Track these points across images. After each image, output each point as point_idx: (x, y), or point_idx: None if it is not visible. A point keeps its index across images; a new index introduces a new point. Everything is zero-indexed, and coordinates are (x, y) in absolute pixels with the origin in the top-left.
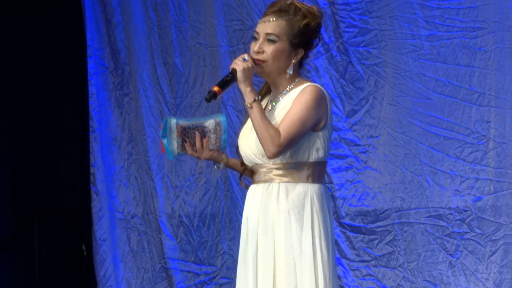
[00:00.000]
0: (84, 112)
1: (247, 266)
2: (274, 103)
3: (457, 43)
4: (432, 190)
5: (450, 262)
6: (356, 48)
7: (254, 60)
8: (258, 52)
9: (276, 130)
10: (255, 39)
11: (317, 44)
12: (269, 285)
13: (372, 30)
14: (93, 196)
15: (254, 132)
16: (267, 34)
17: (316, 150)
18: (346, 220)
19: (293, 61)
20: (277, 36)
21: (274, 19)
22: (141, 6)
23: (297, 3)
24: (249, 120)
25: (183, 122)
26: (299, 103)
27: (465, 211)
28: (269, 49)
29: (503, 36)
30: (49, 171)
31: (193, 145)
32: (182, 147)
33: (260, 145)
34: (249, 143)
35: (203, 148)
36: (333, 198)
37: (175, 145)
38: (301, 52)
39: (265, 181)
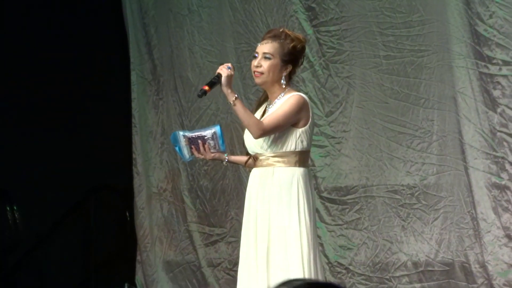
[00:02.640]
0: (128, 112)
1: (249, 228)
2: (270, 106)
3: (407, 61)
4: (389, 172)
5: (402, 226)
6: (334, 64)
7: (234, 68)
8: (257, 66)
9: (260, 120)
10: (254, 57)
11: (302, 62)
12: (265, 241)
13: (345, 51)
14: (135, 175)
15: None
16: (264, 53)
17: (301, 142)
18: (325, 194)
19: (284, 74)
20: (272, 55)
21: (270, 42)
22: (168, 34)
23: (287, 31)
24: None
25: (188, 134)
26: (284, 104)
27: (414, 187)
28: (265, 64)
29: (443, 55)
30: (103, 157)
31: (198, 150)
32: (191, 152)
33: (260, 139)
34: (250, 137)
35: (206, 152)
36: (315, 177)
37: (185, 151)
38: (290, 68)
39: (263, 166)
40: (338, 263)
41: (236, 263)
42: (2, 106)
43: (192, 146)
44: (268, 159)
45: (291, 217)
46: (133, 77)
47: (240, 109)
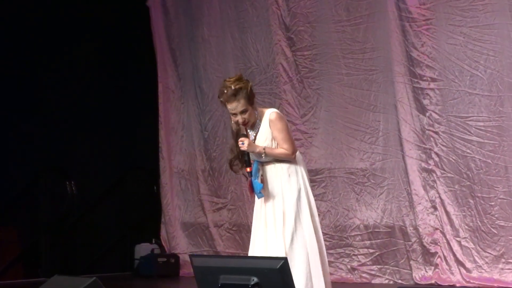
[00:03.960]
0: (155, 114)
1: (261, 208)
2: (255, 129)
3: (362, 77)
4: (347, 159)
5: (357, 198)
6: (307, 79)
7: (246, 129)
8: (244, 122)
9: (284, 150)
10: (235, 115)
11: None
12: (272, 217)
13: (316, 70)
14: (160, 159)
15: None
16: (241, 111)
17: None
18: None
19: (254, 109)
20: (245, 108)
21: (236, 100)
22: (189, 55)
23: (233, 85)
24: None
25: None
26: (279, 128)
27: (365, 170)
28: (247, 116)
29: (387, 74)
30: (137, 145)
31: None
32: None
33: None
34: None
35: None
36: None
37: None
38: (254, 101)
39: (267, 164)
40: None
41: (234, 225)
42: (67, 104)
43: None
44: (270, 160)
45: (289, 197)
46: (160, 87)
47: (271, 152)
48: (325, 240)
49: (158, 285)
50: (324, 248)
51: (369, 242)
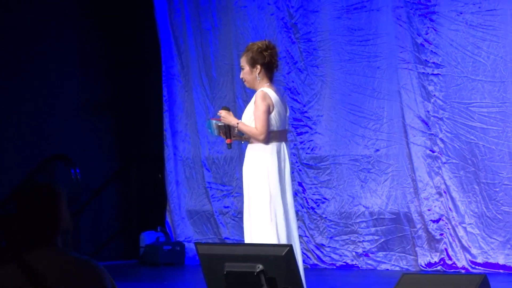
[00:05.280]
0: (159, 100)
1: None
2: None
3: (365, 64)
4: (352, 145)
5: (361, 185)
6: (311, 67)
7: (224, 108)
8: (242, 78)
9: (254, 128)
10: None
11: (268, 59)
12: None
13: (320, 57)
14: (165, 147)
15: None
16: (241, 66)
17: (271, 125)
18: (304, 161)
19: (256, 74)
20: (242, 66)
21: (243, 57)
22: (194, 42)
23: (250, 44)
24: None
25: (220, 123)
26: (257, 106)
27: (370, 157)
28: (242, 73)
29: (391, 60)
30: (142, 133)
31: (225, 132)
32: (219, 132)
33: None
34: None
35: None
36: (298, 149)
37: (215, 131)
38: (258, 68)
39: (250, 143)
40: (315, 212)
41: (239, 212)
42: (78, 93)
43: (221, 131)
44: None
45: (257, 181)
46: (164, 75)
47: (242, 127)
48: (331, 227)
49: (164, 273)
50: (293, 234)
51: (374, 228)
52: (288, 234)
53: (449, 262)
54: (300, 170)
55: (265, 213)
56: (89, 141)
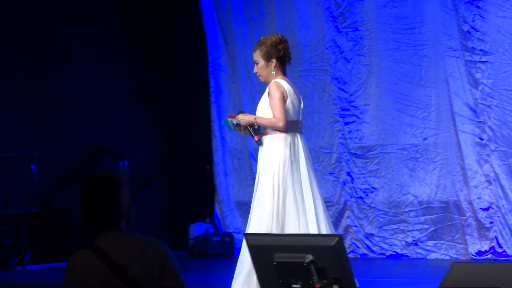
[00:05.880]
0: (206, 91)
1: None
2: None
3: (411, 52)
4: (400, 134)
5: (410, 175)
6: (358, 56)
7: (240, 112)
8: (257, 72)
9: (272, 118)
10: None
11: (282, 52)
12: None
13: (366, 46)
14: (213, 138)
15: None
16: (255, 61)
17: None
18: (353, 151)
19: (271, 67)
20: (257, 60)
21: (255, 51)
22: (240, 32)
23: (262, 38)
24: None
25: (235, 121)
26: (271, 95)
27: (418, 145)
28: (256, 68)
29: (438, 48)
30: (190, 125)
31: (250, 132)
32: (235, 129)
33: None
34: None
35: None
36: (346, 139)
37: (232, 127)
38: (274, 62)
39: (265, 134)
40: (364, 201)
41: None
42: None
43: (237, 128)
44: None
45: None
46: (211, 66)
47: (261, 121)
48: (379, 217)
49: (213, 264)
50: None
51: (423, 217)
52: (301, 221)
53: (499, 250)
54: (348, 160)
55: (267, 203)
56: (137, 133)
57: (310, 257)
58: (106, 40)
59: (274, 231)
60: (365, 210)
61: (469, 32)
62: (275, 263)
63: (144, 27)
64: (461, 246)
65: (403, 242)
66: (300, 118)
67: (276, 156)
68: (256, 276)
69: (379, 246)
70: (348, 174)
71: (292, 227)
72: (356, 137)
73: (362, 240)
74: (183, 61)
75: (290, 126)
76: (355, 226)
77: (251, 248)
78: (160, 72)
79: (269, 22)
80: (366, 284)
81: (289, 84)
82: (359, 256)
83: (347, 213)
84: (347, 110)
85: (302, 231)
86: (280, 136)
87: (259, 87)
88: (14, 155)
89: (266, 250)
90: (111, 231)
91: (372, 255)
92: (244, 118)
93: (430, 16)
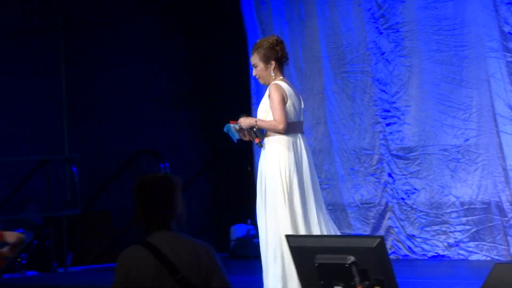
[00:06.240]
0: (247, 93)
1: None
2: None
3: (452, 54)
4: (441, 135)
5: (451, 176)
6: (399, 57)
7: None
8: (256, 75)
9: (272, 120)
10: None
11: (280, 53)
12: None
13: (407, 47)
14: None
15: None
16: (253, 64)
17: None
18: (394, 152)
19: (270, 70)
20: (256, 64)
21: (253, 55)
22: (281, 34)
23: (258, 41)
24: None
25: (238, 126)
26: (271, 98)
27: (459, 146)
28: (256, 72)
29: (479, 49)
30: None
31: (250, 134)
32: (239, 135)
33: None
34: None
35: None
36: (387, 140)
37: (236, 134)
38: (273, 63)
39: (267, 136)
40: (405, 203)
41: (329, 204)
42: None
43: (241, 133)
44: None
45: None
46: (251, 68)
47: (262, 124)
48: (421, 218)
49: (255, 266)
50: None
51: (465, 218)
52: (306, 222)
53: None
54: (389, 161)
55: (281, 204)
56: (178, 134)
57: (352, 259)
58: (150, 44)
59: (303, 227)
60: (406, 211)
61: (510, 33)
62: (316, 265)
63: (187, 30)
64: (503, 247)
65: (445, 243)
66: (301, 119)
67: (280, 160)
68: (298, 277)
69: (420, 247)
70: (390, 175)
71: (302, 228)
72: (397, 138)
73: (404, 242)
74: (224, 63)
75: (291, 128)
76: (397, 227)
77: (292, 250)
78: (202, 75)
79: (310, 24)
80: (408, 286)
81: (289, 85)
82: (400, 257)
83: (388, 214)
84: (388, 111)
85: (309, 231)
86: (283, 139)
87: (301, 88)
88: (56, 157)
89: (308, 251)
90: (163, 230)
91: (413, 256)
92: (245, 121)
93: (470, 17)
